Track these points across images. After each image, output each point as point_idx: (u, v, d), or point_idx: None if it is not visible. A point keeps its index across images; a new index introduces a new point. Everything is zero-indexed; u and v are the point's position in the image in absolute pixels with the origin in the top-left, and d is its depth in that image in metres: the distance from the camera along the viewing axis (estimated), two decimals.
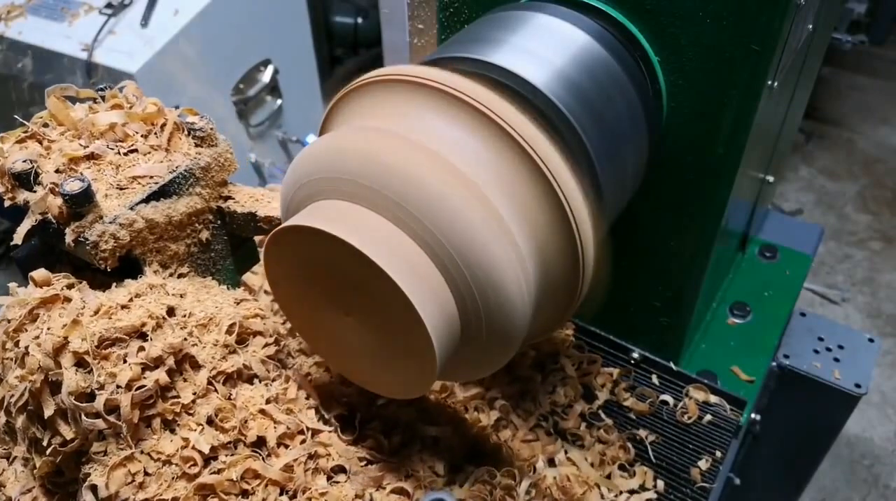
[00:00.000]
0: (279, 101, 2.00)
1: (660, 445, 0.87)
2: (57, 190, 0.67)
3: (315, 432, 0.69)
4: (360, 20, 3.10)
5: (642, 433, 0.88)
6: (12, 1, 1.78)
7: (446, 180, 0.54)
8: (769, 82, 0.77)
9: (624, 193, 0.79)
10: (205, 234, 0.77)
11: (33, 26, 1.72)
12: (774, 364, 1.12)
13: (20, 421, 0.67)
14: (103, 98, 0.80)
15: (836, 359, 1.13)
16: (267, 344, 0.72)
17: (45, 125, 0.77)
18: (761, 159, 1.05)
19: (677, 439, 0.88)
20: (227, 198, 0.78)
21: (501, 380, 0.92)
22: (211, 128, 0.76)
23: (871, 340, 1.17)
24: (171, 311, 0.67)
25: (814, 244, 1.31)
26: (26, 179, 0.68)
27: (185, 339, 0.65)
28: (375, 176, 0.55)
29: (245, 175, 2.02)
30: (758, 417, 1.05)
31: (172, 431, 0.64)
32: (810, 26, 0.90)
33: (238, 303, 0.73)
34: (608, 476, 0.83)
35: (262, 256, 0.63)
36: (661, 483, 0.83)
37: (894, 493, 2.07)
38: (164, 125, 0.76)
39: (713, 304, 1.16)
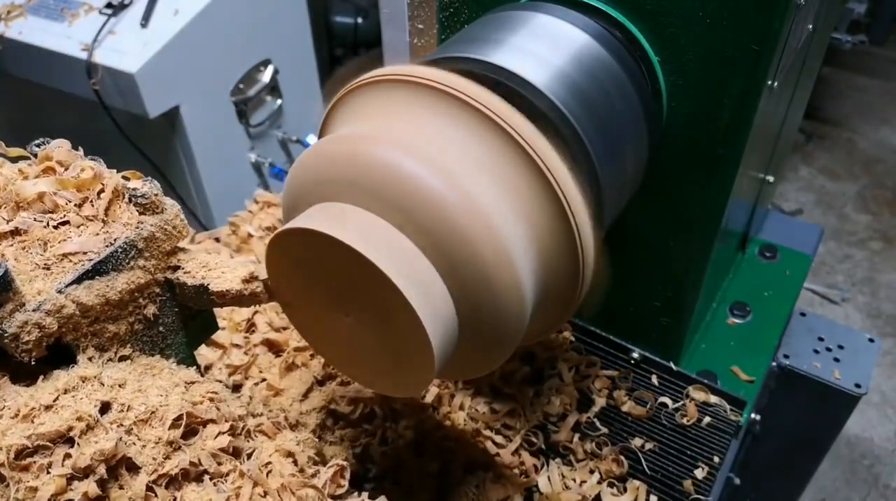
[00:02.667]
0: (279, 101, 2.01)
1: (656, 454, 0.87)
2: None
3: None
4: (360, 20, 3.10)
5: (637, 442, 0.88)
6: (12, 1, 1.78)
7: (444, 182, 0.54)
8: (769, 82, 0.77)
9: (624, 193, 0.79)
10: (151, 310, 0.67)
11: (33, 26, 1.72)
12: (774, 364, 1.12)
13: None
14: (35, 156, 0.70)
15: (837, 359, 1.13)
16: (220, 434, 0.63)
17: None
18: (761, 159, 1.05)
19: (675, 445, 0.88)
20: (176, 268, 0.68)
21: (494, 393, 0.92)
22: (156, 195, 0.65)
23: (871, 340, 1.17)
24: (105, 407, 0.58)
25: (814, 244, 1.31)
26: None
27: (121, 439, 0.57)
28: (374, 178, 0.55)
29: (245, 175, 2.02)
30: (758, 417, 1.05)
31: None
32: (810, 26, 0.90)
33: (188, 387, 0.65)
34: (597, 496, 0.83)
35: (264, 259, 0.63)
36: (654, 499, 0.83)
37: (894, 493, 2.07)
38: (101, 192, 0.66)
39: (713, 304, 1.16)
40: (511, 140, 0.57)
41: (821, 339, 1.17)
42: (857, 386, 1.09)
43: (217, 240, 1.12)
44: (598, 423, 0.90)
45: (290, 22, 1.97)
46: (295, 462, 0.66)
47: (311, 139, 1.97)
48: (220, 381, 0.84)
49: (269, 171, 2.00)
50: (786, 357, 1.13)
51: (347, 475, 0.70)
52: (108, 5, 1.68)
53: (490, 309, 0.57)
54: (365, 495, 0.68)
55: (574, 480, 0.85)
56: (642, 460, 0.86)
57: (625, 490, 0.84)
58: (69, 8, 1.73)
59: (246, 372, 0.92)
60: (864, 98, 3.58)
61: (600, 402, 0.92)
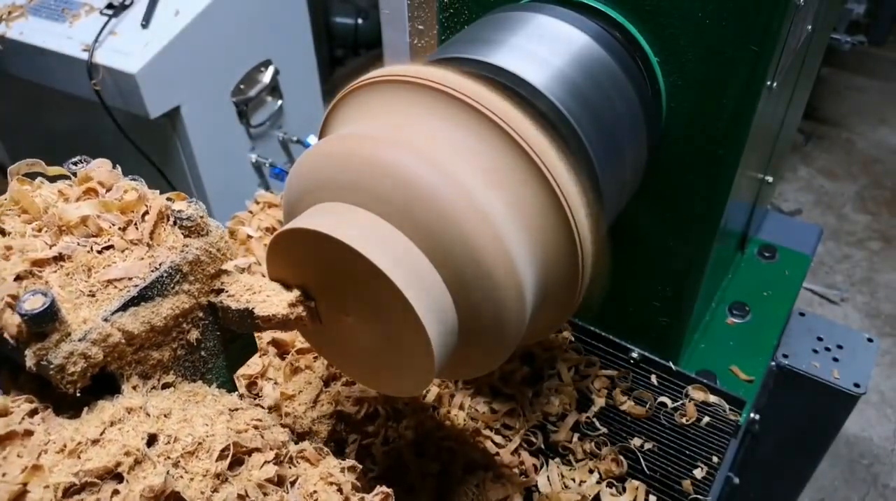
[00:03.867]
0: (280, 102, 2.01)
1: (655, 454, 0.87)
2: (14, 304, 0.55)
3: None
4: (360, 21, 3.10)
5: (637, 442, 0.88)
6: (13, 1, 1.79)
7: (444, 182, 0.55)
8: (768, 83, 0.77)
9: (623, 193, 0.79)
10: (194, 335, 0.65)
11: (34, 27, 1.72)
12: (773, 363, 1.12)
13: None
14: (75, 174, 0.67)
15: (835, 359, 1.14)
16: (266, 463, 0.61)
17: (6, 214, 0.65)
18: (760, 159, 1.05)
19: (674, 445, 0.88)
20: (219, 292, 0.66)
21: (494, 393, 0.92)
22: (201, 217, 0.63)
23: (869, 340, 1.17)
24: (152, 439, 0.56)
25: (813, 244, 1.31)
26: None
27: (169, 473, 0.55)
28: (374, 179, 0.56)
29: (246, 175, 2.02)
30: (757, 417, 1.05)
31: None
32: (809, 27, 0.90)
33: (232, 414, 0.62)
34: (596, 496, 0.83)
35: (265, 259, 0.63)
36: (653, 499, 0.84)
37: (893, 492, 2.07)
38: (145, 215, 0.64)
39: (712, 304, 1.16)
40: (511, 140, 0.57)
41: (820, 339, 1.17)
42: (856, 385, 1.09)
43: None
44: (597, 423, 0.90)
45: (290, 22, 1.97)
46: (340, 491, 0.64)
47: (312, 139, 1.97)
48: (260, 406, 0.83)
49: (269, 172, 2.00)
50: (785, 356, 1.13)
51: None
52: (109, 6, 1.69)
53: (490, 309, 0.57)
54: None
55: (573, 480, 0.85)
56: (641, 460, 0.87)
57: (624, 490, 0.84)
58: (70, 8, 1.73)
59: (262, 376, 0.93)
60: (862, 98, 3.58)
61: (599, 402, 0.92)
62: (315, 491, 0.63)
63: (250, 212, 1.18)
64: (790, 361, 1.12)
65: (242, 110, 1.89)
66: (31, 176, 0.66)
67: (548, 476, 0.85)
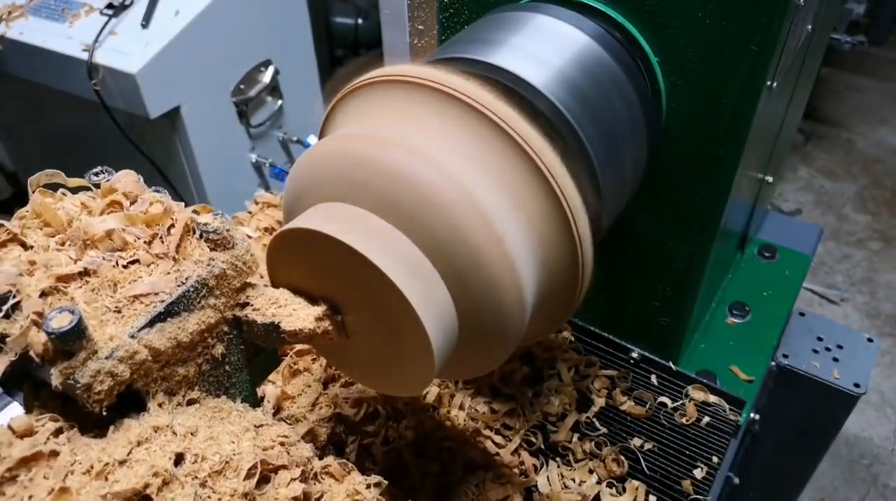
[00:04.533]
0: (280, 102, 2.01)
1: (655, 454, 0.87)
2: (41, 322, 0.54)
3: None
4: (360, 21, 3.10)
5: (637, 442, 0.88)
6: (13, 1, 1.79)
7: (444, 182, 0.55)
8: (768, 83, 0.77)
9: (623, 193, 0.79)
10: (219, 349, 0.64)
11: (34, 27, 1.72)
12: (773, 363, 1.12)
13: None
14: (97, 186, 0.66)
15: (835, 359, 1.14)
16: (292, 480, 0.60)
17: (27, 227, 0.63)
18: (760, 159, 1.05)
19: (674, 445, 0.88)
20: (244, 306, 0.65)
21: (494, 393, 0.92)
22: (227, 230, 0.62)
23: (869, 340, 1.17)
24: (179, 459, 0.56)
25: (813, 244, 1.31)
26: (3, 306, 0.55)
27: (197, 494, 0.54)
28: (374, 179, 0.56)
29: (246, 175, 2.02)
30: (757, 417, 1.05)
31: None
32: (809, 27, 0.90)
33: (258, 431, 0.61)
34: (596, 496, 0.84)
35: (265, 260, 0.63)
36: (653, 499, 0.84)
37: (893, 492, 2.07)
38: (171, 228, 0.63)
39: (712, 304, 1.16)
40: (511, 141, 0.57)
41: (820, 339, 1.17)
42: (856, 385, 1.09)
43: None
44: (597, 423, 0.90)
45: (290, 22, 1.97)
46: None
47: (312, 139, 1.97)
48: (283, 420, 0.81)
49: (269, 172, 2.00)
50: (785, 356, 1.13)
51: None
52: (109, 6, 1.69)
53: (490, 310, 0.57)
54: None
55: (573, 480, 0.85)
56: (641, 460, 0.87)
57: (624, 490, 0.84)
58: (70, 8, 1.73)
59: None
60: (862, 98, 3.58)
61: (599, 402, 0.92)
62: None
63: (249, 212, 1.18)
64: (790, 361, 1.12)
65: (242, 110, 1.89)
66: (52, 187, 0.65)
67: (548, 477, 0.85)
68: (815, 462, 1.30)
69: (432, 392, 0.91)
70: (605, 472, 0.85)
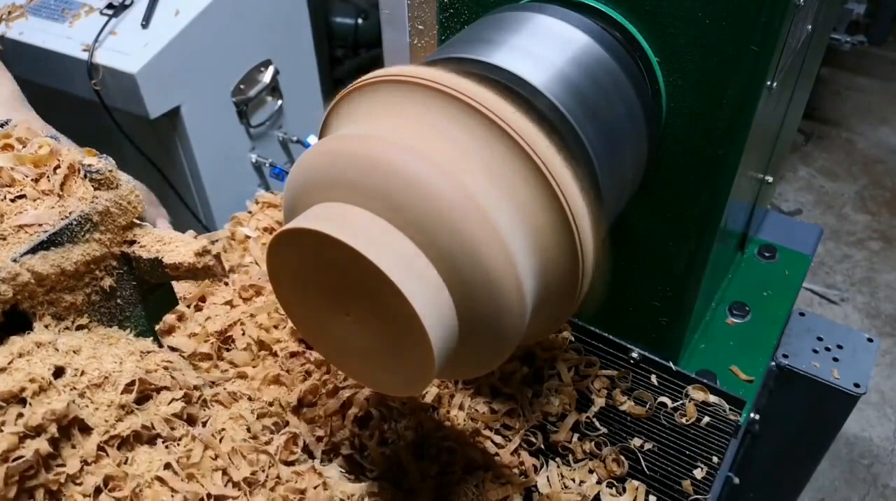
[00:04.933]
0: (280, 102, 2.01)
1: (655, 454, 0.87)
2: None
3: (219, 498, 0.63)
4: (360, 21, 3.10)
5: (637, 442, 0.88)
6: (13, 1, 1.79)
7: (444, 182, 0.55)
8: (768, 83, 0.77)
9: (623, 193, 0.79)
10: (107, 282, 0.70)
11: (34, 27, 1.72)
12: (773, 363, 1.12)
13: None
14: None
15: (836, 359, 1.14)
16: (174, 400, 0.65)
17: None
18: (760, 159, 1.05)
19: (674, 445, 0.88)
20: (132, 243, 0.71)
21: (494, 394, 0.92)
22: (110, 171, 0.68)
23: (870, 340, 1.17)
24: (59, 372, 0.60)
25: (813, 244, 1.31)
26: None
27: (74, 402, 0.58)
28: (374, 179, 0.56)
29: (246, 175, 2.02)
30: (757, 417, 1.05)
31: None
32: (809, 27, 0.90)
33: (144, 355, 0.66)
34: (596, 496, 0.84)
35: (265, 259, 0.64)
36: (653, 499, 0.84)
37: (893, 493, 2.07)
38: (57, 168, 0.68)
39: (712, 304, 1.16)
40: (511, 141, 0.57)
41: (820, 339, 1.17)
42: (856, 385, 1.09)
43: (214, 242, 1.13)
44: (597, 423, 0.90)
45: (290, 22, 1.97)
46: (248, 430, 0.69)
47: (312, 139, 1.97)
48: (179, 351, 0.86)
49: (269, 172, 2.00)
50: (785, 356, 1.13)
51: (301, 442, 0.73)
52: (109, 6, 1.69)
53: (490, 310, 0.57)
54: (317, 462, 0.71)
55: (573, 480, 0.85)
56: (641, 460, 0.87)
57: (624, 490, 0.84)
58: (70, 8, 1.73)
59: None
60: (863, 98, 3.58)
61: (599, 402, 0.92)
62: (223, 429, 0.67)
63: (249, 212, 1.18)
64: (790, 361, 1.12)
65: (242, 110, 1.89)
66: None
67: (547, 477, 0.85)
68: (815, 462, 1.30)
69: (431, 392, 0.91)
70: (605, 472, 0.85)
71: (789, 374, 1.12)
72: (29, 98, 1.07)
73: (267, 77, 1.92)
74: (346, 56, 3.25)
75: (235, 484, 0.65)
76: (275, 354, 0.92)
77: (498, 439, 0.88)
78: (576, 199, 0.59)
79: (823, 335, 1.18)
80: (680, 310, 0.98)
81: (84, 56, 1.61)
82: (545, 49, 0.71)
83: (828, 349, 1.15)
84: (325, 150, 0.60)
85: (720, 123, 0.79)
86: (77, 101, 1.73)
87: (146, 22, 1.64)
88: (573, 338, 0.99)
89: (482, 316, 0.58)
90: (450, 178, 0.55)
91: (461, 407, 0.90)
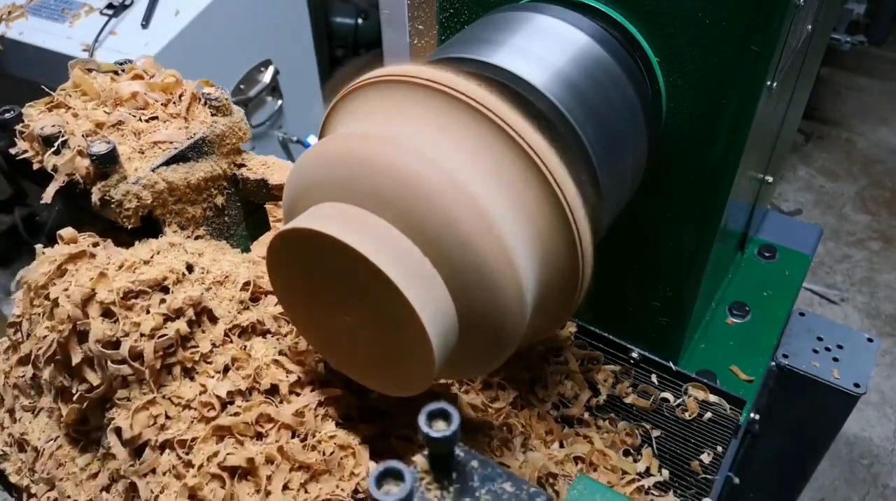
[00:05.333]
0: (280, 102, 2.01)
1: (663, 439, 0.88)
2: (84, 151, 0.71)
3: (325, 382, 0.72)
4: (360, 21, 3.10)
5: (646, 426, 0.88)
6: (13, 1, 1.79)
7: (444, 182, 0.55)
8: (768, 83, 0.77)
9: (623, 193, 0.79)
10: (220, 199, 0.82)
11: (34, 27, 1.72)
12: (773, 363, 1.12)
13: (47, 373, 0.71)
14: (123, 71, 0.85)
15: (836, 359, 1.14)
16: (278, 303, 0.73)
17: (69, 95, 0.83)
18: (760, 159, 1.05)
19: (679, 434, 0.88)
20: (240, 166, 0.83)
21: (512, 369, 0.92)
22: (226, 99, 0.80)
23: (870, 340, 1.17)
24: (190, 268, 0.70)
25: (813, 244, 1.31)
26: (54, 143, 0.74)
27: (204, 293, 0.68)
28: (374, 178, 0.56)
29: None
30: (757, 417, 1.05)
31: (192, 378, 0.67)
32: (809, 27, 0.90)
33: (252, 264, 0.76)
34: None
35: (265, 259, 0.64)
36: (665, 473, 0.84)
37: (893, 493, 2.07)
38: (182, 95, 0.80)
39: (712, 304, 1.16)
40: (511, 140, 0.57)
41: (820, 339, 1.17)
42: (856, 385, 1.09)
43: None
44: (606, 409, 0.91)
45: (290, 23, 1.97)
46: None
47: (312, 139, 1.97)
48: None
49: None
50: (785, 356, 1.13)
51: None
52: (109, 6, 1.69)
53: (490, 310, 0.57)
54: None
55: (592, 443, 0.85)
56: (652, 441, 0.87)
57: (641, 456, 0.85)
58: (70, 8, 1.73)
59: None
60: (863, 98, 3.58)
61: (606, 392, 0.93)
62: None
63: None
64: (790, 361, 1.12)
65: (242, 110, 1.89)
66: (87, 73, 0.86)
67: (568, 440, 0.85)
68: (815, 462, 1.30)
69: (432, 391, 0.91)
70: (620, 442, 0.86)
71: (789, 374, 1.12)
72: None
73: (267, 77, 1.92)
74: (346, 56, 3.25)
75: (336, 373, 0.72)
76: None
77: (500, 438, 0.88)
78: (576, 199, 0.59)
79: (823, 335, 1.18)
80: (680, 310, 0.98)
81: (84, 56, 1.61)
82: (545, 49, 0.71)
83: (828, 349, 1.15)
84: (325, 151, 0.60)
85: (720, 123, 0.79)
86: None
87: (146, 22, 1.64)
88: (576, 337, 0.99)
89: (482, 315, 0.58)
90: (449, 178, 0.55)
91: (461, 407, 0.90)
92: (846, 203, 3.02)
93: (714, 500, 0.83)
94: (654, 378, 0.95)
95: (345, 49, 3.23)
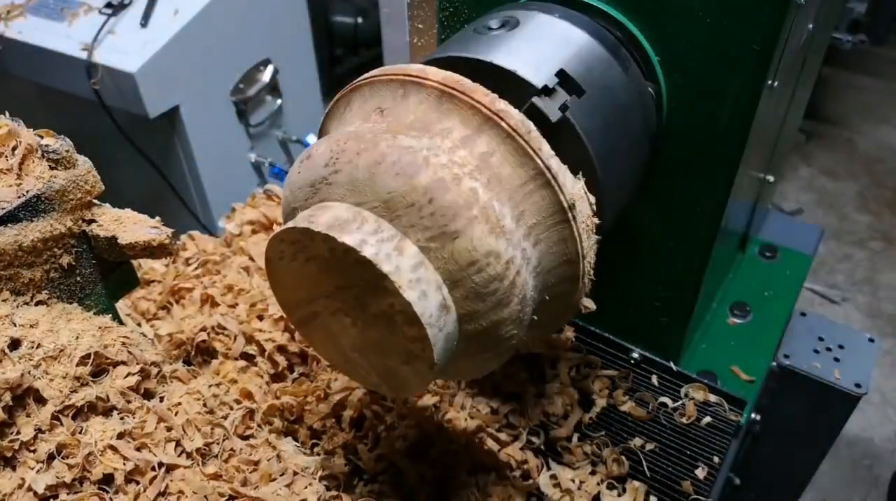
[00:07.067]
0: (279, 101, 2.01)
1: (656, 454, 0.87)
2: None
3: (171, 467, 0.65)
4: (360, 20, 3.09)
5: (638, 442, 0.88)
6: (12, 1, 1.78)
7: (444, 182, 0.54)
8: (769, 82, 0.77)
9: (624, 193, 0.79)
10: (66, 259, 0.72)
11: (33, 26, 1.72)
12: (774, 364, 1.12)
13: None
14: None
15: (837, 359, 1.13)
16: (130, 374, 0.68)
17: None
18: (761, 159, 1.05)
19: (675, 445, 0.88)
20: (90, 222, 0.73)
21: (494, 392, 0.92)
22: (67, 151, 0.70)
23: (871, 340, 1.17)
24: (15, 344, 0.62)
25: (814, 244, 1.31)
26: None
27: (29, 372, 0.61)
28: (373, 178, 0.55)
29: (245, 175, 2.02)
30: (758, 417, 1.05)
31: (13, 468, 0.61)
32: (810, 26, 0.90)
33: (103, 331, 0.69)
34: (597, 496, 0.83)
35: (264, 260, 0.63)
36: (653, 499, 0.83)
37: None
38: (15, 148, 0.70)
39: (713, 304, 1.16)
40: (511, 140, 0.57)
41: (821, 339, 1.17)
42: (858, 385, 1.09)
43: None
44: (598, 424, 0.90)
45: (290, 22, 1.97)
46: (205, 404, 0.71)
47: (311, 138, 1.97)
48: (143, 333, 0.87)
49: (268, 171, 2.00)
50: (786, 356, 1.13)
51: (258, 417, 0.75)
52: (108, 5, 1.68)
53: (491, 311, 0.57)
54: (273, 435, 0.73)
55: (574, 481, 0.84)
56: (643, 460, 0.86)
57: (624, 490, 0.84)
58: (69, 8, 1.73)
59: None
60: (864, 98, 3.58)
61: (600, 403, 0.92)
62: (179, 403, 0.69)
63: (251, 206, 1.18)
64: (791, 361, 1.12)
65: (242, 110, 1.89)
66: None
67: (549, 476, 0.84)
68: (816, 462, 1.30)
69: (432, 392, 0.91)
70: (605, 473, 0.85)
71: (790, 374, 1.12)
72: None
73: (266, 76, 1.92)
74: (346, 55, 3.25)
75: (188, 455, 0.66)
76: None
77: (501, 437, 0.88)
78: (576, 200, 0.58)
79: (824, 335, 1.17)
80: (680, 310, 0.98)
81: (83, 55, 1.60)
82: (545, 48, 0.71)
83: (829, 349, 1.15)
84: (322, 150, 0.59)
85: (721, 123, 0.78)
86: (76, 101, 1.72)
87: (145, 21, 1.64)
88: (574, 339, 0.99)
89: (483, 317, 0.57)
90: (450, 178, 0.55)
91: (462, 407, 0.90)
92: (847, 202, 3.02)
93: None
94: (654, 379, 0.95)
95: (345, 48, 3.23)
